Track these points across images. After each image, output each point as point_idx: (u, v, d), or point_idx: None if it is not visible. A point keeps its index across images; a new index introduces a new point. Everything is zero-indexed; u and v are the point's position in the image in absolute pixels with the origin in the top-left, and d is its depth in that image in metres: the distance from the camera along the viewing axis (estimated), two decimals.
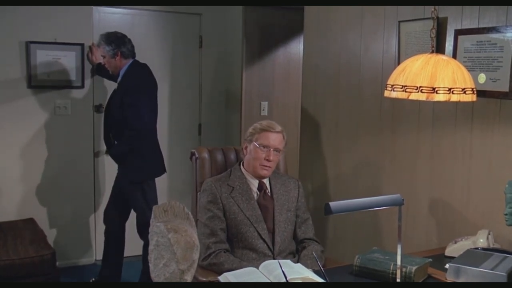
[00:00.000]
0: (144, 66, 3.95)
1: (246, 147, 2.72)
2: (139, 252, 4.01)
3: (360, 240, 3.42)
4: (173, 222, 1.84)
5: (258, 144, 2.65)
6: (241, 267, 2.33)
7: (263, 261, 2.31)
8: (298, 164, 4.01)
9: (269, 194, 2.71)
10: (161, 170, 4.04)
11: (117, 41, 3.81)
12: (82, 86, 4.39)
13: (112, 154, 3.94)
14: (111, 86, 4.49)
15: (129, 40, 3.89)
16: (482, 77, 2.58)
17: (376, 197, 1.94)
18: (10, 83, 4.17)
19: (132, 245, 4.37)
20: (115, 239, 4.05)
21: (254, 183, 2.69)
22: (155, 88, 3.96)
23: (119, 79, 3.88)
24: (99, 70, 4.32)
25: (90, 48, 4.33)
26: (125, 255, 4.66)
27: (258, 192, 2.69)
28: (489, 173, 2.61)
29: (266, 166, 2.65)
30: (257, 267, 2.23)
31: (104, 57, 3.88)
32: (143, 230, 3.80)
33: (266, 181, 2.73)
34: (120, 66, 3.85)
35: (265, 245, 2.59)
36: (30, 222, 4.13)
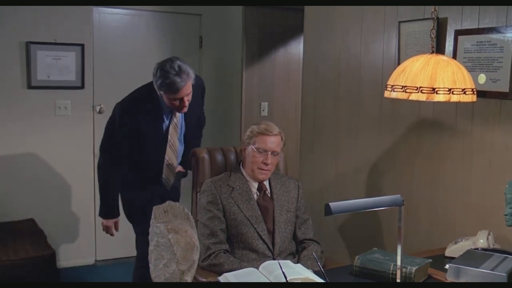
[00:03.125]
0: None
1: (244, 149, 2.72)
2: None
3: (360, 241, 3.42)
4: (173, 223, 1.84)
5: (255, 148, 2.64)
6: (241, 268, 2.33)
7: (263, 261, 2.31)
8: (298, 165, 4.01)
9: (269, 195, 2.71)
10: None
11: (186, 69, 2.97)
12: (82, 87, 4.39)
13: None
14: (111, 86, 4.49)
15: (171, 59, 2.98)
16: (482, 78, 2.58)
17: (376, 198, 1.94)
18: (10, 84, 4.17)
19: (132, 246, 4.38)
20: None
21: (254, 184, 2.69)
22: None
23: None
24: None
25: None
26: (124, 255, 4.67)
27: (257, 193, 2.69)
28: (489, 173, 2.61)
29: (264, 170, 2.64)
30: (257, 268, 2.23)
31: (189, 93, 2.98)
32: None
33: (265, 181, 2.73)
34: None
35: (265, 245, 2.59)
36: (30, 222, 4.13)
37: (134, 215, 3.25)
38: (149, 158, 3.10)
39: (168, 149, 3.12)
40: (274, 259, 2.51)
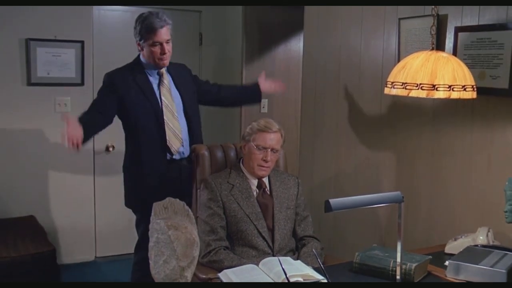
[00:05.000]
0: None
1: (244, 146, 2.72)
2: None
3: (360, 237, 3.42)
4: (173, 219, 1.84)
5: (255, 145, 2.64)
6: (241, 265, 2.34)
7: (263, 258, 2.31)
8: (298, 161, 4.01)
9: (268, 192, 2.71)
10: None
11: (163, 15, 3.15)
12: (82, 83, 4.39)
13: None
14: None
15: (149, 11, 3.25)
16: (482, 74, 2.57)
17: (376, 194, 1.94)
18: (10, 80, 4.17)
19: (132, 242, 4.39)
20: None
21: (254, 181, 2.70)
22: None
23: (165, 68, 3.21)
24: None
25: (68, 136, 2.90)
26: (124, 252, 4.67)
27: (257, 190, 2.69)
28: (489, 170, 2.61)
29: (263, 166, 2.65)
30: (257, 265, 2.24)
31: (168, 40, 3.10)
32: None
33: (265, 179, 2.73)
34: None
35: (265, 242, 2.59)
36: (31, 219, 4.13)
37: (137, 202, 3.22)
38: (143, 121, 3.10)
39: (165, 110, 3.10)
40: (274, 256, 2.51)
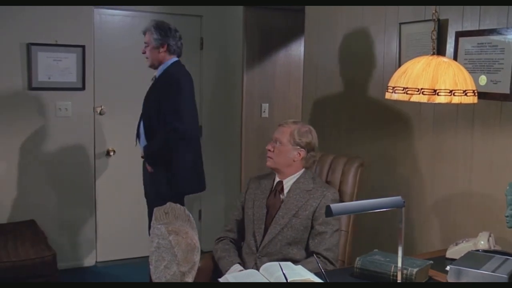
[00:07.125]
0: (184, 67, 3.65)
1: None
2: (146, 253, 4.01)
3: (361, 242, 3.41)
4: (174, 224, 1.84)
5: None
6: (223, 259, 2.59)
7: (248, 257, 2.44)
8: None
9: (282, 196, 2.66)
10: (202, 186, 3.74)
11: (166, 32, 3.53)
12: (83, 88, 4.39)
13: (150, 151, 3.50)
14: (112, 87, 4.50)
15: (180, 36, 3.62)
16: (483, 79, 2.58)
17: (377, 199, 1.94)
18: (11, 85, 4.17)
19: (139, 246, 4.39)
20: None
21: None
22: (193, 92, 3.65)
23: (158, 73, 3.57)
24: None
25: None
26: (125, 257, 4.68)
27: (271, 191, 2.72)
28: (490, 175, 2.61)
29: (267, 156, 2.71)
30: (248, 263, 2.27)
31: (147, 45, 3.55)
32: None
33: (286, 182, 2.69)
34: (162, 60, 3.55)
35: (254, 242, 2.62)
36: (31, 223, 4.13)
37: None
38: None
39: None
40: (258, 258, 2.57)
